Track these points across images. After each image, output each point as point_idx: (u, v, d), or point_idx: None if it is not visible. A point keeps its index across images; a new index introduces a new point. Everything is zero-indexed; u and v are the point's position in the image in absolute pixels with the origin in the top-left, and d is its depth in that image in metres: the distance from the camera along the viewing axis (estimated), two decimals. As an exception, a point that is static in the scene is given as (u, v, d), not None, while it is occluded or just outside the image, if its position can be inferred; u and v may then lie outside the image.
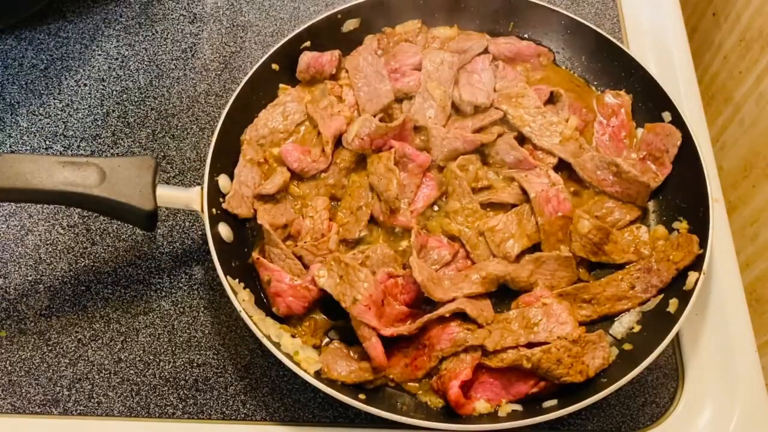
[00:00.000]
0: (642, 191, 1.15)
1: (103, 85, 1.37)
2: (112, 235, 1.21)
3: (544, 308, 1.04)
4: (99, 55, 1.41)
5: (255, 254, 1.11)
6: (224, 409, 1.07)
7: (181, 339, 1.12)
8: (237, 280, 1.05)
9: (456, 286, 1.06)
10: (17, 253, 1.19)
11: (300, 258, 1.09)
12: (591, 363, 1.00)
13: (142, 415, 1.06)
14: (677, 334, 1.12)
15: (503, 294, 1.10)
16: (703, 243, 1.07)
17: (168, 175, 1.27)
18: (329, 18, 1.29)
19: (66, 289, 1.16)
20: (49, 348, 1.11)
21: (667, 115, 1.20)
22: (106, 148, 1.30)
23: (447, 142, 1.17)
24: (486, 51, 1.29)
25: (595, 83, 1.31)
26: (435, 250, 1.11)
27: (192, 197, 1.07)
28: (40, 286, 1.16)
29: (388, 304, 1.04)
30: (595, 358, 1.01)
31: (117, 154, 1.29)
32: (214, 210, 1.09)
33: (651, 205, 1.19)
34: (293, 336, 1.05)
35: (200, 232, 1.21)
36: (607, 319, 1.09)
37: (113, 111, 1.34)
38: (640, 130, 1.24)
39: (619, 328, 1.08)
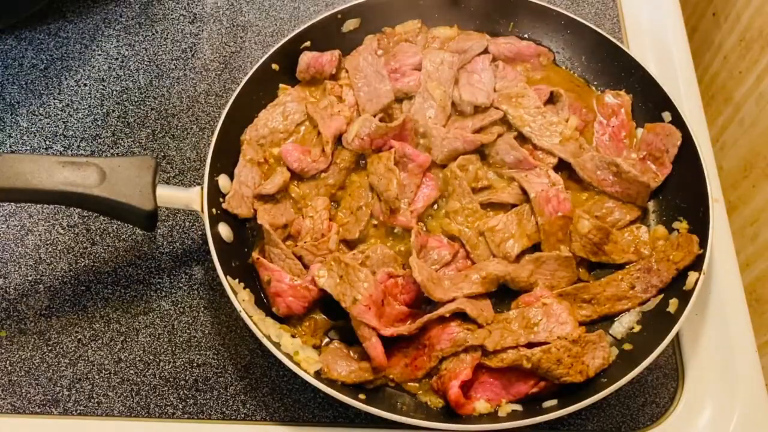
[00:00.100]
0: (642, 191, 1.15)
1: (103, 85, 1.37)
2: (112, 235, 1.21)
3: (544, 308, 1.04)
4: (99, 55, 1.41)
5: (255, 254, 1.11)
6: (224, 409, 1.07)
7: (181, 339, 1.12)
8: (237, 280, 1.05)
9: (456, 286, 1.06)
10: (17, 253, 1.19)
11: (300, 258, 1.09)
12: (591, 363, 1.00)
13: (142, 415, 1.06)
14: (677, 334, 1.12)
15: (503, 294, 1.10)
16: (703, 243, 1.07)
17: (168, 175, 1.27)
18: (329, 18, 1.29)
19: (66, 289, 1.16)
20: (49, 348, 1.11)
21: (667, 115, 1.20)
22: (106, 148, 1.30)
23: (447, 142, 1.17)
24: (486, 51, 1.29)
25: (595, 83, 1.31)
26: (435, 250, 1.11)
27: (192, 197, 1.07)
28: (40, 286, 1.16)
29: (388, 304, 1.04)
30: (595, 358, 1.01)
31: (117, 154, 1.29)
32: (214, 210, 1.09)
33: (651, 205, 1.19)
34: (293, 336, 1.05)
35: (200, 232, 1.21)
36: (607, 319, 1.09)
37: (113, 111, 1.34)
38: (640, 130, 1.24)
39: (619, 328, 1.08)
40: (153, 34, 1.44)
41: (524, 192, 1.14)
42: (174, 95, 1.36)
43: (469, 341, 1.01)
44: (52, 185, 1.00)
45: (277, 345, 1.00)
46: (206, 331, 1.13)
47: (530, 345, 1.00)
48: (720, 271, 1.18)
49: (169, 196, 1.06)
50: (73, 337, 1.12)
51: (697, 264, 1.06)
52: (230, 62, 1.40)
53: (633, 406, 1.08)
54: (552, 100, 1.26)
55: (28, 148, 1.30)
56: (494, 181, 1.18)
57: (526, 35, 1.34)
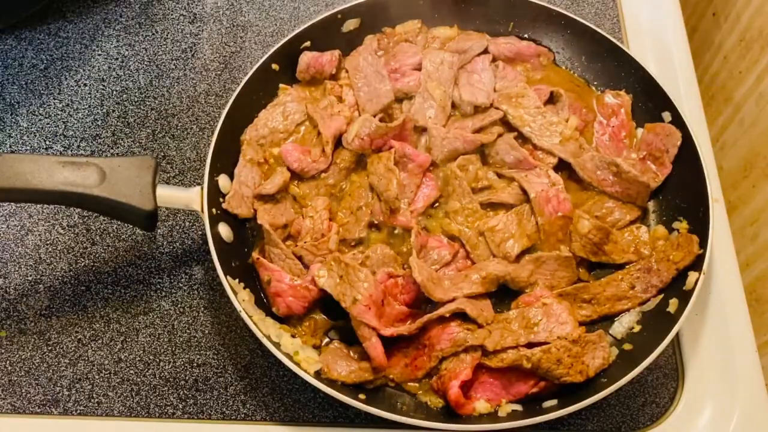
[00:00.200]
0: (642, 191, 1.15)
1: (103, 85, 1.37)
2: (112, 235, 1.21)
3: (544, 308, 1.04)
4: (99, 55, 1.41)
5: (255, 254, 1.11)
6: (224, 409, 1.07)
7: (181, 339, 1.12)
8: (237, 280, 1.05)
9: (456, 286, 1.06)
10: (17, 253, 1.19)
11: (300, 258, 1.09)
12: (591, 363, 1.00)
13: (142, 415, 1.06)
14: (677, 334, 1.12)
15: (503, 294, 1.09)
16: (703, 243, 1.07)
17: (168, 175, 1.27)
18: (329, 18, 1.29)
19: (66, 289, 1.16)
20: (49, 348, 1.11)
21: (667, 115, 1.20)
22: (106, 148, 1.30)
23: (447, 142, 1.17)
24: (486, 51, 1.29)
25: (595, 83, 1.31)
26: (435, 250, 1.11)
27: (192, 197, 1.07)
28: (40, 286, 1.16)
29: (388, 304, 1.04)
30: (595, 358, 1.01)
31: (117, 154, 1.29)
32: (214, 210, 1.09)
33: (651, 205, 1.19)
34: (293, 336, 1.05)
35: (200, 232, 1.21)
36: (607, 319, 1.09)
37: (113, 111, 1.34)
38: (640, 130, 1.24)
39: (619, 328, 1.08)
40: (153, 34, 1.44)
41: (524, 192, 1.14)
42: (174, 95, 1.36)
43: (469, 341, 1.01)
44: (52, 185, 1.00)
45: (277, 345, 1.00)
46: (206, 331, 1.13)
47: (530, 345, 1.00)
48: (720, 271, 1.18)
49: (169, 196, 1.06)
50: (73, 337, 1.12)
51: (697, 264, 1.06)
52: (230, 62, 1.40)
53: (633, 406, 1.08)
54: (552, 100, 1.26)
55: (28, 148, 1.30)
56: (494, 181, 1.18)
57: (526, 35, 1.34)
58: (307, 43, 1.28)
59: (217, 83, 1.37)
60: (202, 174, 1.11)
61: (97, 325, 1.13)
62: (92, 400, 1.07)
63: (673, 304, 1.05)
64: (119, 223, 1.21)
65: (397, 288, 1.06)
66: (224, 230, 1.10)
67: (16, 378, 1.09)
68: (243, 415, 1.06)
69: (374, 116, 1.18)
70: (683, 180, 1.16)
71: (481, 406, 0.99)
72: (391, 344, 1.03)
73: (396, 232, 1.13)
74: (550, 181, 1.14)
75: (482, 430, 0.97)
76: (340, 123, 1.20)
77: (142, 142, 1.30)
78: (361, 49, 1.30)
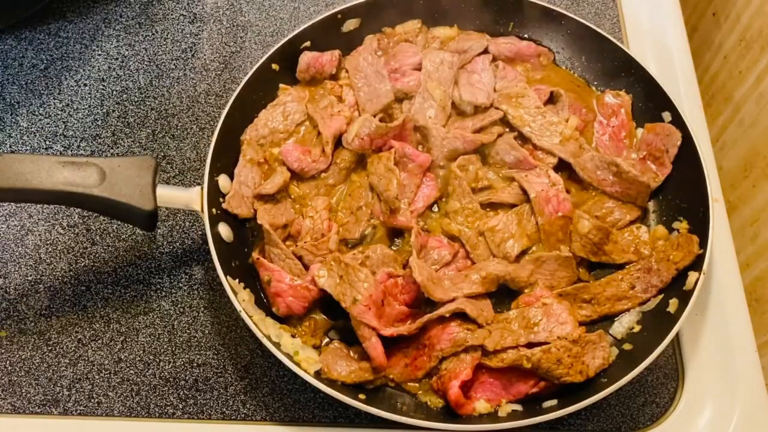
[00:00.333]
0: (642, 191, 1.15)
1: (103, 85, 1.37)
2: (112, 235, 1.21)
3: (544, 308, 1.04)
4: (99, 55, 1.41)
5: (255, 254, 1.11)
6: (224, 409, 1.07)
7: (181, 339, 1.12)
8: (237, 280, 1.05)
9: (456, 286, 1.06)
10: (17, 253, 1.19)
11: (300, 258, 1.09)
12: (591, 363, 1.00)
13: (142, 415, 1.06)
14: (677, 334, 1.12)
15: (503, 294, 1.09)
16: (703, 243, 1.07)
17: (168, 175, 1.27)
18: (329, 18, 1.29)
19: (66, 289, 1.16)
20: (49, 348, 1.11)
21: (667, 115, 1.20)
22: (106, 148, 1.30)
23: (447, 142, 1.17)
24: (486, 51, 1.29)
25: (595, 83, 1.31)
26: (435, 250, 1.11)
27: (192, 197, 1.07)
28: (40, 286, 1.16)
29: (388, 304, 1.04)
30: (595, 358, 1.01)
31: (117, 154, 1.29)
32: (214, 210, 1.09)
33: (651, 205, 1.19)
34: (293, 336, 1.05)
35: (200, 232, 1.21)
36: (607, 319, 1.09)
37: (113, 111, 1.34)
38: (640, 130, 1.24)
39: (619, 328, 1.08)
40: (153, 34, 1.44)
41: (524, 192, 1.14)
42: (174, 95, 1.36)
43: (469, 341, 1.01)
44: (52, 185, 1.00)
45: (277, 345, 1.00)
46: (206, 331, 1.13)
47: (530, 345, 1.00)
48: (720, 271, 1.18)
49: (169, 196, 1.06)
50: (73, 337, 1.12)
51: (697, 264, 1.06)
52: (230, 62, 1.40)
53: (633, 406, 1.08)
54: (552, 100, 1.26)
55: (28, 148, 1.30)
56: (494, 181, 1.18)
57: (526, 35, 1.34)
58: (307, 43, 1.28)
59: (217, 83, 1.37)
60: (202, 174, 1.11)
61: (97, 325, 1.13)
62: (92, 400, 1.07)
63: (673, 304, 1.05)
64: (119, 223, 1.21)
65: (397, 288, 1.06)
66: (224, 230, 1.10)
67: (16, 378, 1.09)
68: (243, 415, 1.06)
69: (374, 116, 1.18)
70: (683, 180, 1.16)
71: (481, 406, 0.99)
72: (391, 344, 1.03)
73: (396, 241, 1.13)
74: (550, 181, 1.14)
75: (482, 430, 0.97)
76: (340, 123, 1.20)
77: (142, 142, 1.30)
78: (361, 49, 1.30)
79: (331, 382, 0.99)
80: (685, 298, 1.03)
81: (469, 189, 1.14)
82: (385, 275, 1.05)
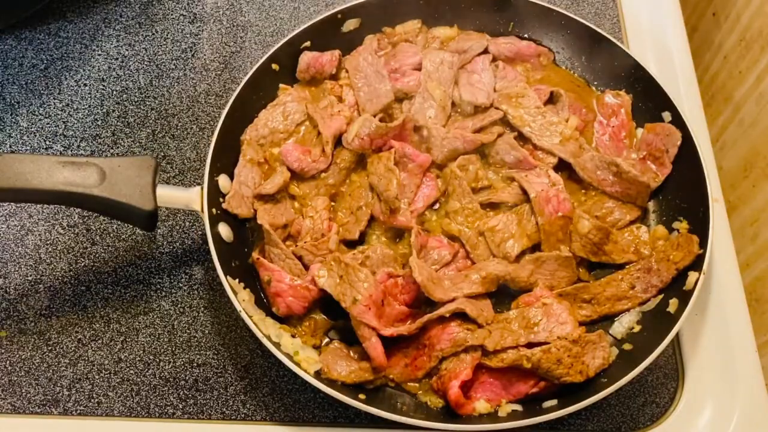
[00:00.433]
0: (642, 191, 1.15)
1: (103, 85, 1.37)
2: (112, 235, 1.21)
3: (544, 308, 1.04)
4: (99, 55, 1.41)
5: (255, 254, 1.11)
6: (224, 409, 1.07)
7: (181, 339, 1.12)
8: (237, 280, 1.05)
9: (456, 286, 1.06)
10: (17, 253, 1.19)
11: (300, 258, 1.09)
12: (591, 363, 1.00)
13: (142, 415, 1.06)
14: (677, 334, 1.12)
15: (503, 294, 1.09)
16: (703, 243, 1.07)
17: (168, 175, 1.27)
18: (329, 18, 1.29)
19: (66, 289, 1.16)
20: (49, 348, 1.11)
21: (667, 115, 1.20)
22: (106, 148, 1.30)
23: (447, 142, 1.17)
24: (486, 51, 1.29)
25: (595, 83, 1.31)
26: (435, 250, 1.11)
27: (192, 197, 1.07)
28: (40, 286, 1.16)
29: (388, 304, 1.04)
30: (595, 358, 1.01)
31: (117, 154, 1.29)
32: (214, 210, 1.09)
33: (651, 205, 1.19)
34: (293, 336, 1.05)
35: (200, 232, 1.21)
36: (607, 319, 1.09)
37: (113, 111, 1.34)
38: (640, 130, 1.24)
39: (619, 328, 1.08)
40: (153, 34, 1.44)
41: (524, 192, 1.14)
42: (174, 95, 1.36)
43: (469, 341, 1.01)
44: (52, 185, 1.00)
45: (277, 345, 1.00)
46: (206, 331, 1.13)
47: (530, 345, 1.00)
48: (720, 271, 1.18)
49: (169, 196, 1.06)
50: (73, 337, 1.12)
51: (697, 264, 1.06)
52: (230, 62, 1.40)
53: (633, 406, 1.08)
54: (552, 100, 1.26)
55: (28, 148, 1.30)
56: (494, 181, 1.18)
57: (526, 35, 1.34)
58: (307, 43, 1.28)
59: (217, 83, 1.37)
60: (202, 174, 1.11)
61: (97, 325, 1.13)
62: (92, 400, 1.07)
63: (673, 304, 1.05)
64: (119, 223, 1.21)
65: (397, 288, 1.06)
66: (224, 230, 1.10)
67: (16, 378, 1.09)
68: (243, 415, 1.06)
69: (374, 116, 1.18)
70: (683, 180, 1.16)
71: (481, 406, 0.99)
72: (391, 344, 1.03)
73: (397, 241, 1.13)
74: (550, 181, 1.14)
75: (482, 430, 0.97)
76: (340, 123, 1.20)
77: (142, 142, 1.30)
78: (361, 49, 1.29)
79: (331, 382, 0.99)
80: (685, 298, 1.03)
81: (469, 189, 1.14)
82: (385, 275, 1.05)
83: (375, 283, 1.02)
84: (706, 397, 1.08)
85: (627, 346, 1.05)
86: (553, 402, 1.00)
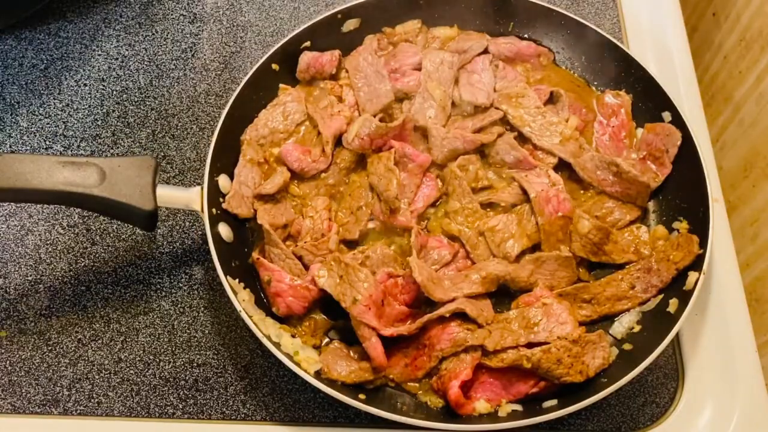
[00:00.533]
0: (642, 191, 1.15)
1: (103, 85, 1.37)
2: (112, 235, 1.21)
3: (544, 308, 1.04)
4: (99, 55, 1.41)
5: (255, 254, 1.11)
6: (224, 409, 1.07)
7: (181, 339, 1.12)
8: (237, 280, 1.05)
9: (456, 286, 1.06)
10: (17, 253, 1.19)
11: (300, 258, 1.09)
12: (591, 363, 1.00)
13: (142, 415, 1.06)
14: (677, 334, 1.12)
15: (503, 294, 1.09)
16: (703, 243, 1.07)
17: (168, 175, 1.27)
18: (329, 18, 1.29)
19: (66, 289, 1.16)
20: (49, 348, 1.11)
21: (667, 115, 1.20)
22: (106, 148, 1.30)
23: (447, 142, 1.17)
24: (486, 51, 1.29)
25: (595, 83, 1.31)
26: (435, 250, 1.11)
27: (192, 197, 1.07)
28: (40, 286, 1.16)
29: (388, 304, 1.04)
30: (595, 358, 1.01)
31: (117, 154, 1.29)
32: (214, 210, 1.09)
33: (651, 205, 1.19)
34: (293, 336, 1.05)
35: (200, 232, 1.21)
36: (607, 319, 1.09)
37: (113, 111, 1.34)
38: (640, 130, 1.24)
39: (619, 328, 1.08)
40: (153, 34, 1.44)
41: (524, 192, 1.14)
42: (174, 95, 1.36)
43: (469, 341, 1.01)
44: (52, 185, 1.00)
45: (277, 345, 1.00)
46: (206, 331, 1.13)
47: (530, 345, 1.00)
48: (720, 271, 1.18)
49: (169, 196, 1.06)
50: (73, 337, 1.12)
51: (697, 264, 1.06)
52: (230, 62, 1.40)
53: (633, 406, 1.08)
54: (552, 100, 1.26)
55: (28, 148, 1.30)
56: (494, 181, 1.18)
57: (526, 35, 1.34)
58: (307, 43, 1.28)
59: (217, 83, 1.37)
60: (202, 174, 1.11)
61: (97, 325, 1.13)
62: (92, 400, 1.07)
63: (673, 304, 1.05)
64: (119, 223, 1.21)
65: (397, 288, 1.06)
66: (224, 230, 1.10)
67: (16, 378, 1.09)
68: (243, 415, 1.06)
69: (374, 116, 1.18)
70: (683, 180, 1.16)
71: (481, 406, 0.99)
72: (391, 344, 1.03)
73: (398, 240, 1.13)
74: (550, 181, 1.14)
75: (482, 430, 0.97)
76: (340, 123, 1.20)
77: (142, 142, 1.30)
78: (361, 49, 1.30)
79: (331, 382, 0.99)
80: (685, 298, 1.03)
81: (469, 189, 1.14)
82: (385, 275, 1.05)
83: (375, 283, 1.02)
84: (706, 397, 1.08)
85: (627, 346, 1.05)
86: (553, 402, 1.00)
